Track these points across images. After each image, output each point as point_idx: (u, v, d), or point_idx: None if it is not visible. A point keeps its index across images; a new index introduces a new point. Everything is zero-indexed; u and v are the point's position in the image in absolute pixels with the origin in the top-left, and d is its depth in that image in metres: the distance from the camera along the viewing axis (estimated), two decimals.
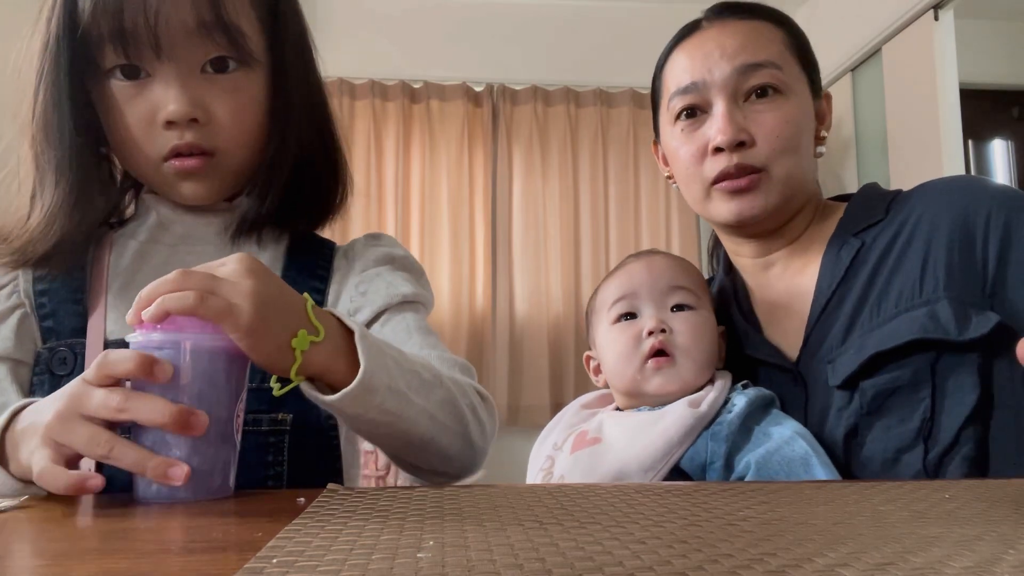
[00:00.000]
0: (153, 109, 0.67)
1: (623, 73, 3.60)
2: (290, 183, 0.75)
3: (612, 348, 0.83)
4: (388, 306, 0.75)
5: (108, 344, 0.67)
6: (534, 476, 0.84)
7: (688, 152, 0.84)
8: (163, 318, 0.49)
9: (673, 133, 0.86)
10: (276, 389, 0.53)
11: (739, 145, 0.80)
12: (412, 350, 0.68)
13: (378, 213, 3.47)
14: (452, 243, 3.49)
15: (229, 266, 0.52)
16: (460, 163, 3.55)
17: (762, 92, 0.81)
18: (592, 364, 0.91)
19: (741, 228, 0.85)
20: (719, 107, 0.81)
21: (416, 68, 3.60)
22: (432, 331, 0.75)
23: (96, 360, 0.50)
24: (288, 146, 0.74)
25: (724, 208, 0.83)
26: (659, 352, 0.80)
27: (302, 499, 0.48)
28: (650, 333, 0.80)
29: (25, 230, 0.68)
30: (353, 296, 0.76)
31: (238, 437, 0.54)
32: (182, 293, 0.48)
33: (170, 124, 0.67)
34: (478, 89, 3.63)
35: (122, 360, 0.49)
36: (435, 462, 0.63)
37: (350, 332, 0.55)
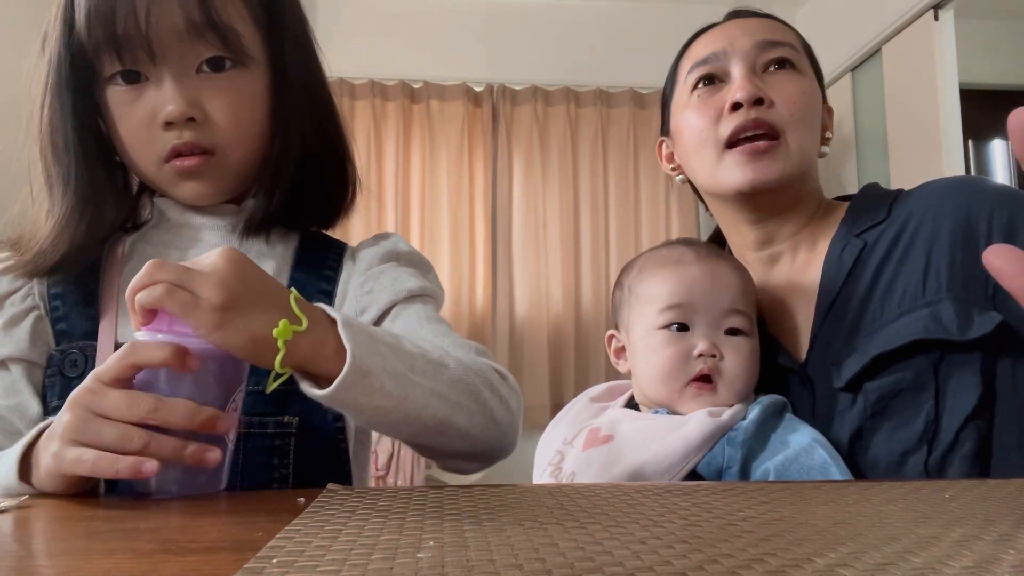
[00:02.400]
0: (152, 111, 0.68)
1: (623, 73, 3.60)
2: (296, 182, 0.76)
3: (654, 358, 0.80)
4: (395, 302, 0.74)
5: (118, 347, 0.67)
6: (542, 470, 0.82)
7: (703, 116, 0.83)
8: (149, 317, 0.50)
9: (689, 103, 0.86)
10: (268, 385, 0.52)
11: (757, 103, 0.80)
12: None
13: (378, 213, 3.47)
14: (452, 243, 3.49)
15: (209, 259, 0.52)
16: (460, 163, 3.54)
17: (780, 64, 0.83)
18: (615, 344, 0.87)
19: (751, 199, 0.83)
20: (737, 71, 0.82)
21: (416, 68, 3.60)
22: (443, 320, 0.74)
23: (123, 349, 0.50)
24: (291, 144, 0.74)
25: (739, 173, 0.81)
26: (704, 376, 0.78)
27: (302, 499, 0.48)
28: (700, 355, 0.78)
29: (35, 241, 0.69)
30: (359, 296, 0.76)
31: (232, 436, 0.54)
32: (151, 287, 0.49)
33: (169, 125, 0.67)
34: (478, 89, 3.63)
35: (154, 348, 0.49)
36: (459, 444, 0.62)
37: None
